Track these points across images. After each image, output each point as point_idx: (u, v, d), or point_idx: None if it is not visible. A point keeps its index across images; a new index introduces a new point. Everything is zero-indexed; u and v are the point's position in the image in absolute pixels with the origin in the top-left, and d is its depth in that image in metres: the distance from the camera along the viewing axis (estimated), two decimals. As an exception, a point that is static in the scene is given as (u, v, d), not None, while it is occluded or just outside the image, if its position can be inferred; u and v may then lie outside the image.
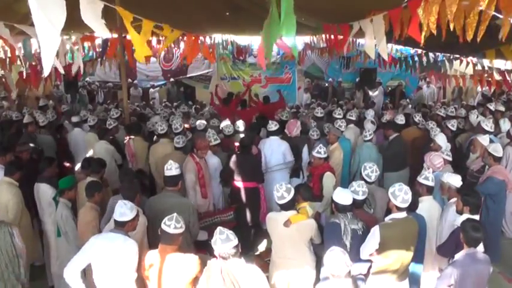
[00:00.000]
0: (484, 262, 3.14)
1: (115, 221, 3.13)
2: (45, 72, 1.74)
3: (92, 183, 4.07)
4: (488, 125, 5.77)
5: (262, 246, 5.35)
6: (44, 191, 4.40)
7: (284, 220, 3.50)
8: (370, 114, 7.65)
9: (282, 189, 3.53)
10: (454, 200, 3.90)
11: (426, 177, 3.94)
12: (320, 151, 4.81)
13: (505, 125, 6.35)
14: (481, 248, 3.42)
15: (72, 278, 3.02)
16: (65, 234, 4.03)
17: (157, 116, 8.31)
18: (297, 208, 3.73)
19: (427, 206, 3.90)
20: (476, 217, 3.59)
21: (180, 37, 5.71)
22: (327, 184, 4.76)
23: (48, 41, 1.66)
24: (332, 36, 6.00)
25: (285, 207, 3.55)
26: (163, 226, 3.01)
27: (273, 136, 5.71)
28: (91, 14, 2.54)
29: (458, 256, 3.17)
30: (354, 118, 6.85)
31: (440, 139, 5.38)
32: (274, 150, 5.60)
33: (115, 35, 6.75)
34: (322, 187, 4.75)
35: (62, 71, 3.40)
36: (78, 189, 4.24)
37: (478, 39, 2.82)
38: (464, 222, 3.23)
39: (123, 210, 3.11)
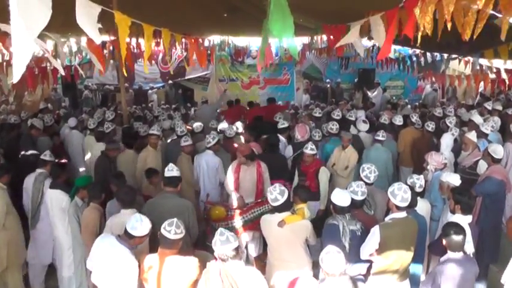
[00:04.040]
0: (469, 266, 3.07)
1: (125, 229, 3.07)
2: (15, 79, 1.54)
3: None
4: (488, 128, 5.82)
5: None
6: (57, 198, 4.30)
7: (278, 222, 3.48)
8: (363, 115, 7.61)
9: (275, 192, 3.48)
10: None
11: (414, 183, 3.92)
12: (307, 147, 4.92)
13: (496, 124, 6.58)
14: (471, 248, 3.39)
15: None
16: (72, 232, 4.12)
17: (169, 120, 8.24)
18: (294, 209, 3.70)
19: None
20: (469, 217, 3.58)
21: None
22: (323, 180, 4.84)
23: (21, 47, 1.53)
24: (332, 37, 6.00)
25: (279, 209, 3.51)
26: (163, 231, 2.96)
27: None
28: (86, 18, 2.52)
29: (441, 261, 3.13)
30: (353, 119, 6.83)
31: (446, 138, 5.38)
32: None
33: (112, 37, 6.72)
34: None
35: (62, 72, 3.42)
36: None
37: (474, 37, 2.81)
38: (445, 227, 3.17)
39: (137, 225, 3.03)
